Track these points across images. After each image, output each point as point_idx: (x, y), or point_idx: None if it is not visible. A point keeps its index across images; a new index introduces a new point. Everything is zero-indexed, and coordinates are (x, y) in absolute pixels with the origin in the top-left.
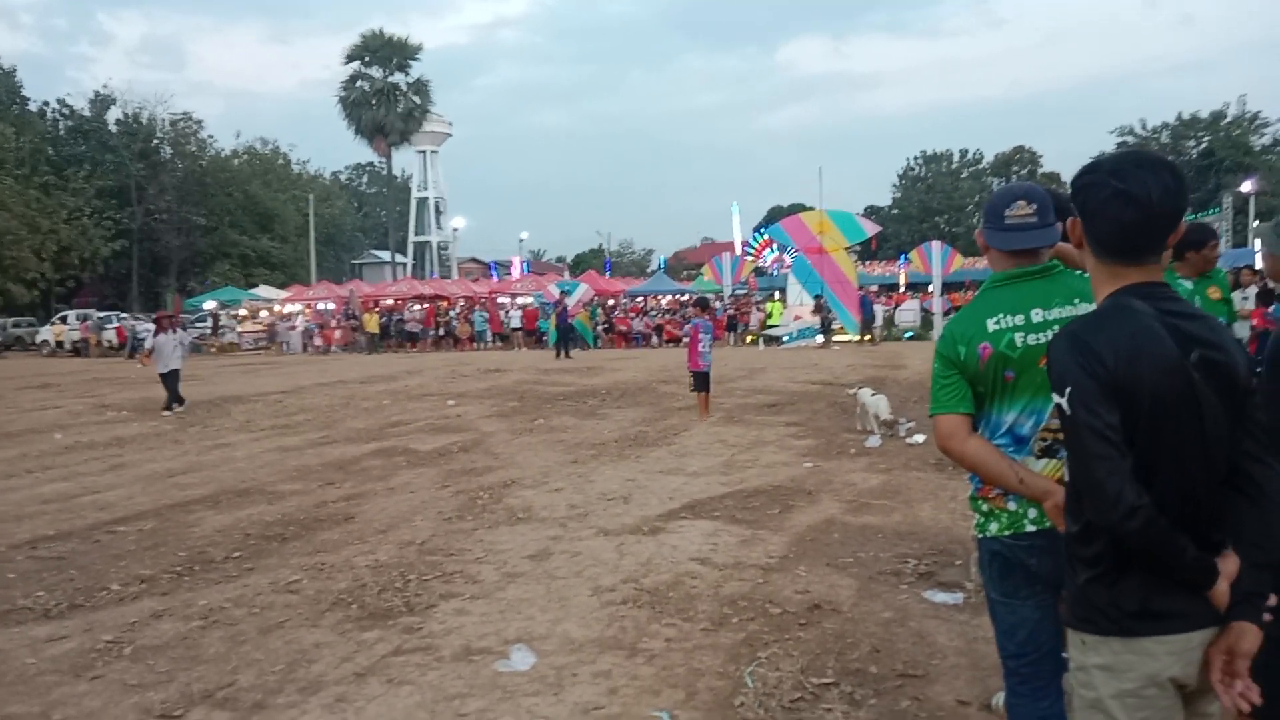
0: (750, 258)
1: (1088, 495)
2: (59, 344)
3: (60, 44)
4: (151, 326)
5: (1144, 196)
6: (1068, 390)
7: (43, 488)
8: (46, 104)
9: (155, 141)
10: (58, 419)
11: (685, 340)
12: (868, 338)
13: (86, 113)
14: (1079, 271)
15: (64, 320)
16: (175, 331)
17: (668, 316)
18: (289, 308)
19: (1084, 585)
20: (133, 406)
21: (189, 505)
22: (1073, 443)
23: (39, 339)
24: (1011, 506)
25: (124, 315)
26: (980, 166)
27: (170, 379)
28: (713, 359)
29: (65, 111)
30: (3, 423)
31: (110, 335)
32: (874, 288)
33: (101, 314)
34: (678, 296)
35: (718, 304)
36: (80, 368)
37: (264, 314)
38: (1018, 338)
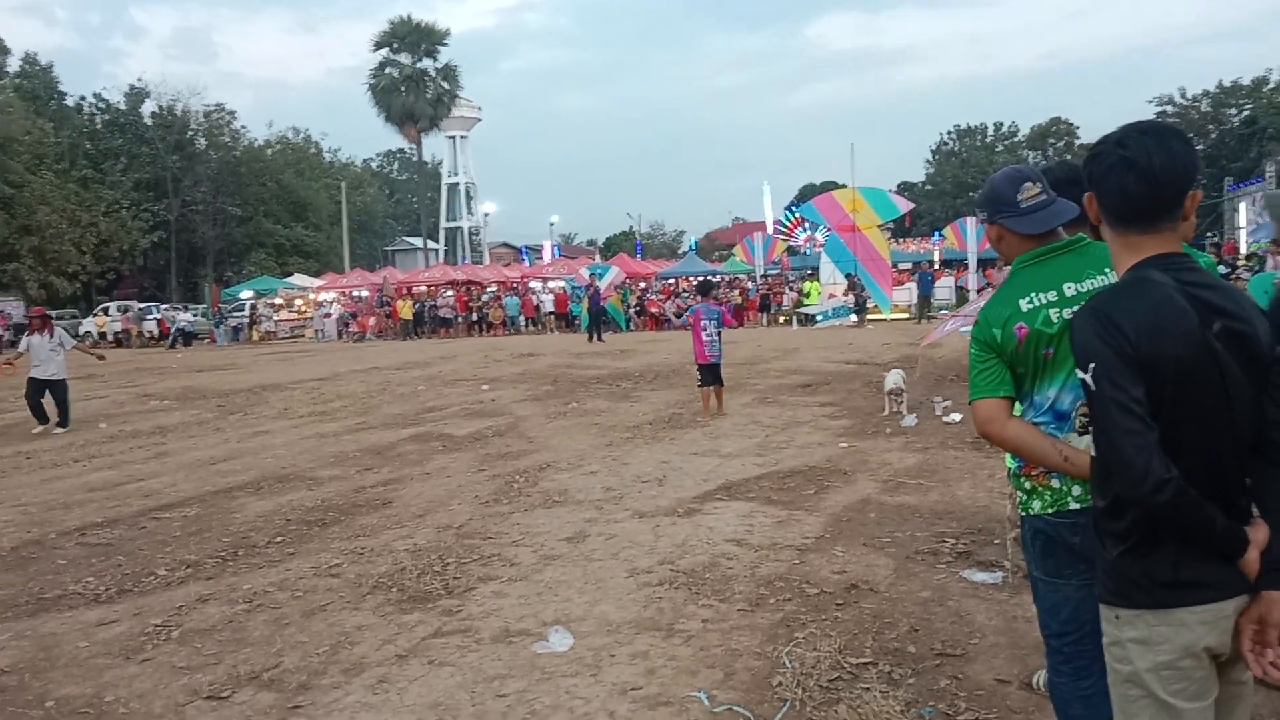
0: (782, 237)
1: (1115, 470)
2: (101, 335)
3: (94, 39)
4: (189, 317)
5: (1145, 163)
6: (1091, 366)
7: (89, 476)
8: (83, 99)
9: (190, 133)
10: (102, 409)
11: (685, 325)
12: (928, 316)
13: (122, 106)
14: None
15: (105, 312)
16: (50, 334)
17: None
18: (323, 295)
19: (1116, 559)
20: (175, 396)
21: (231, 491)
22: (1098, 417)
23: (82, 331)
24: (1055, 484)
25: (164, 306)
26: (1016, 139)
27: (57, 390)
28: (721, 348)
29: (101, 106)
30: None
31: (151, 325)
32: (926, 263)
33: (142, 305)
34: (692, 278)
35: (750, 284)
36: (122, 358)
37: (298, 302)
38: (1053, 313)
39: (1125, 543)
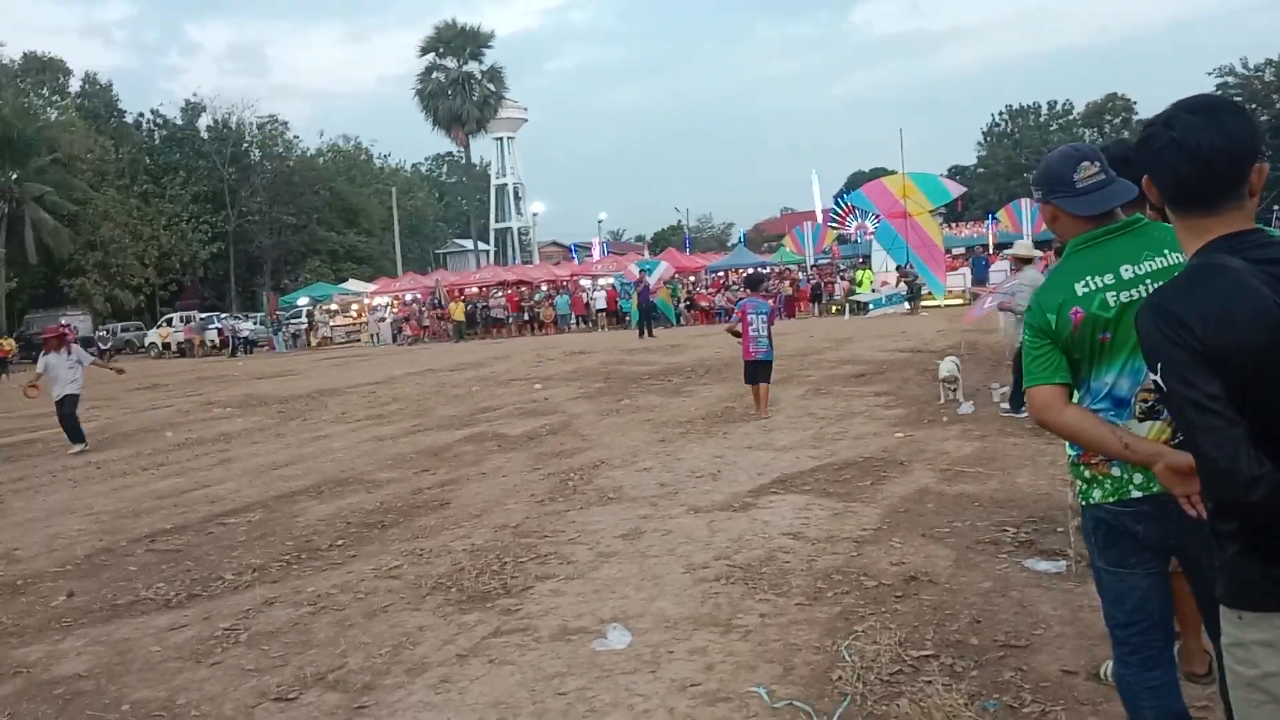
0: (834, 226)
1: (1203, 471)
2: (165, 346)
3: (151, 57)
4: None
5: (1194, 144)
6: (1159, 365)
7: (157, 484)
8: (141, 115)
9: (244, 145)
10: (168, 417)
11: (733, 325)
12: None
13: (179, 121)
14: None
15: (169, 323)
16: (68, 351)
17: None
18: (377, 300)
19: (1233, 559)
20: (237, 403)
21: (293, 496)
22: (1177, 419)
23: (146, 342)
24: (1115, 472)
25: (225, 315)
26: (1071, 118)
27: (66, 405)
28: (770, 344)
29: (159, 122)
30: (118, 423)
31: (213, 335)
32: (980, 247)
33: (203, 315)
34: (742, 270)
35: (800, 274)
36: (186, 368)
37: (354, 307)
38: (1109, 297)
39: (1239, 543)
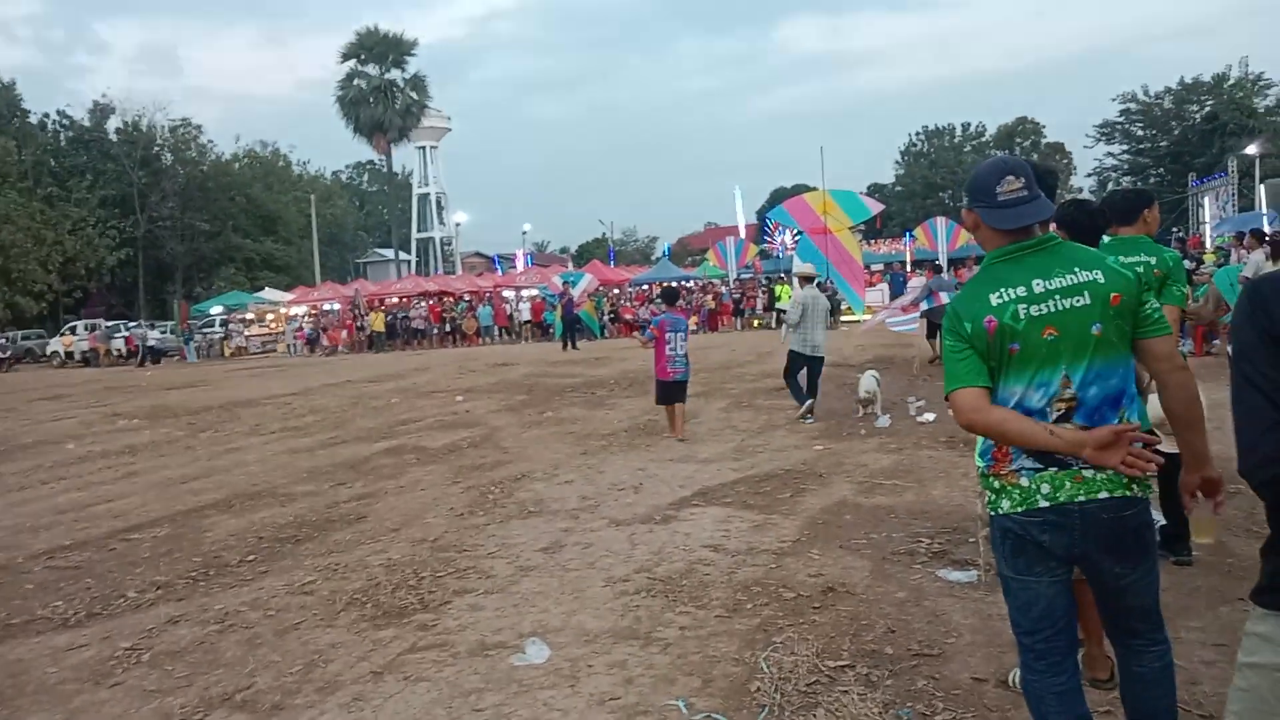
0: (766, 243)
1: (1237, 444)
2: (69, 355)
3: (58, 55)
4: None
5: None
6: (1233, 343)
7: (58, 498)
8: (47, 116)
9: (156, 149)
10: (70, 429)
11: (646, 341)
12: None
13: (86, 123)
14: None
15: (73, 331)
16: None
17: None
18: (294, 309)
19: (1263, 550)
20: (145, 415)
21: (202, 510)
22: (1231, 392)
23: (49, 350)
24: (1024, 483)
25: (132, 324)
26: (983, 139)
27: None
28: (687, 364)
29: (65, 122)
30: (17, 434)
31: (119, 344)
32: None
33: (109, 323)
34: (666, 284)
35: (723, 289)
36: (91, 377)
37: (269, 317)
38: (1020, 309)
39: (1271, 539)
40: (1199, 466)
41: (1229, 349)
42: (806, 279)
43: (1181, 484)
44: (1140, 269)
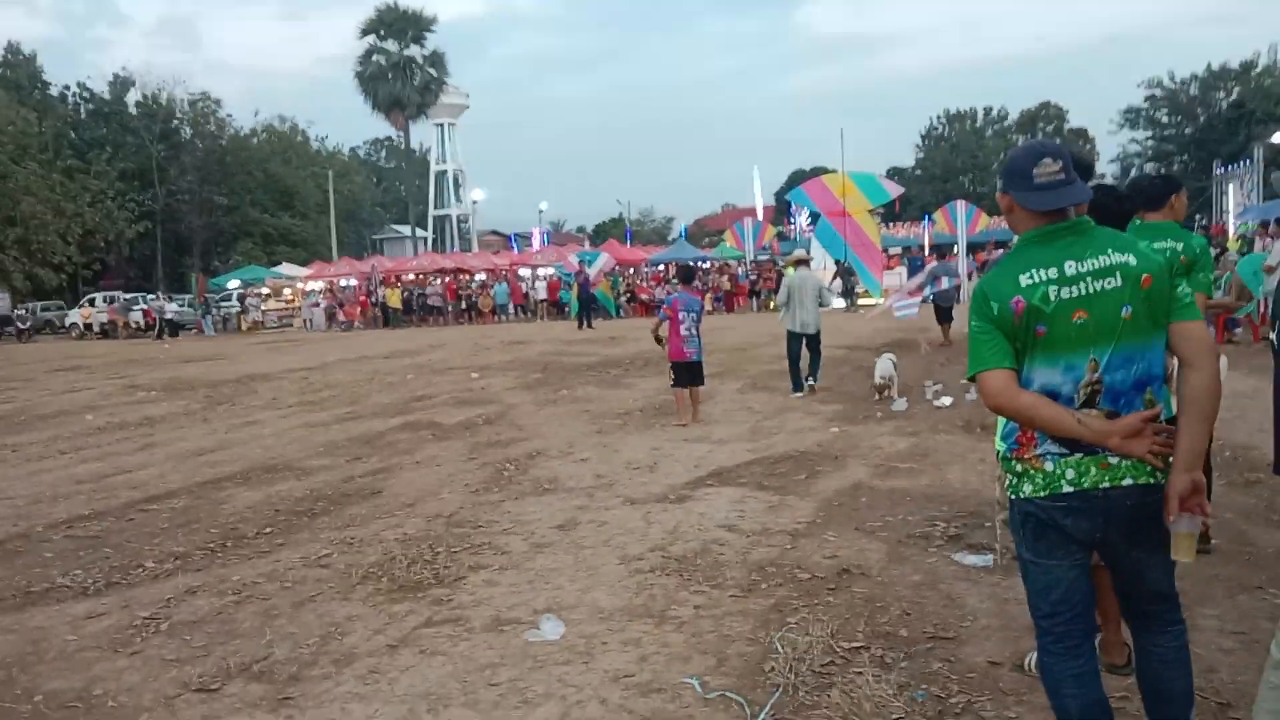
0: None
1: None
2: (87, 326)
3: (78, 28)
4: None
5: None
6: None
7: (76, 468)
8: (67, 88)
9: (175, 122)
10: (89, 400)
11: (661, 321)
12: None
13: (106, 96)
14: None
15: (91, 303)
16: None
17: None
18: (311, 285)
19: None
20: (162, 386)
21: (220, 482)
22: (1276, 384)
23: (68, 322)
24: (1048, 467)
25: (151, 296)
26: (1005, 124)
27: None
28: (700, 344)
29: (85, 95)
30: (36, 405)
31: (137, 316)
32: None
33: (128, 295)
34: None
35: (740, 270)
36: (109, 349)
37: (286, 292)
38: (1050, 291)
39: None
40: (1193, 465)
41: (1272, 337)
42: (798, 263)
43: (1170, 487)
44: (1168, 254)
